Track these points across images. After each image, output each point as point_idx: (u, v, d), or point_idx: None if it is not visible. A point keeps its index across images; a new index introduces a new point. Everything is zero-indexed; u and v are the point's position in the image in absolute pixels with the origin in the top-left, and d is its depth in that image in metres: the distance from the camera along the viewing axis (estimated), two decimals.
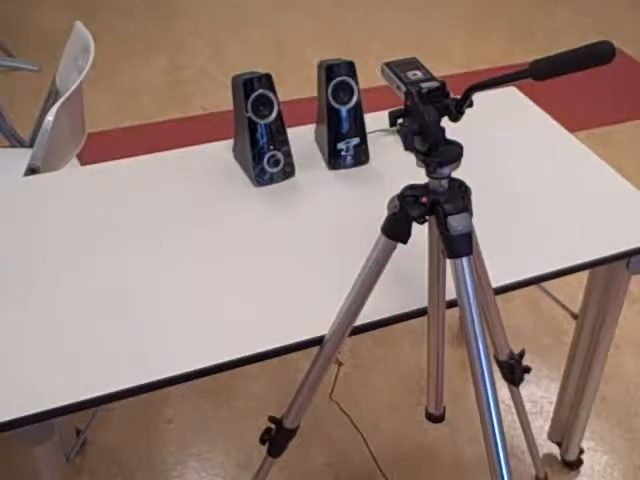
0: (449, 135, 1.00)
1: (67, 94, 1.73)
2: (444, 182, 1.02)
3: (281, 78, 1.62)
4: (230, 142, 1.59)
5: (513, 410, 1.58)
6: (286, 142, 1.49)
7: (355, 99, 1.50)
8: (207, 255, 1.32)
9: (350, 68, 1.48)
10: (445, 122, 0.98)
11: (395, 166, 1.54)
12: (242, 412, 1.95)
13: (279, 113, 1.46)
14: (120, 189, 1.49)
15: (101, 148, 2.87)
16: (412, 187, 1.05)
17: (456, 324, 2.16)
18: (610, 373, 2.05)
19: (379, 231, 1.07)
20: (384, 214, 1.07)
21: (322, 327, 1.17)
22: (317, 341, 1.17)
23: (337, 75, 1.47)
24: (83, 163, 1.99)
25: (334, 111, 1.49)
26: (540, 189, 1.49)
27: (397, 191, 1.06)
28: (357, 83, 1.50)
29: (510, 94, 1.79)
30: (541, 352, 2.12)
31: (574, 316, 1.65)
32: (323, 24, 4.01)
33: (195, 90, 3.41)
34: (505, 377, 1.44)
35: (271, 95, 1.44)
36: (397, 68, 1.05)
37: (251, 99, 1.43)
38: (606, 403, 1.98)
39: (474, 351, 1.04)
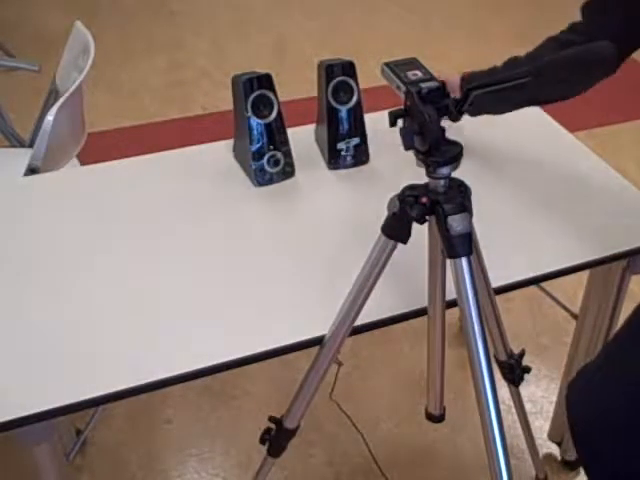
0: (449, 135, 1.00)
1: (67, 94, 1.73)
2: (444, 182, 1.02)
3: (281, 78, 1.62)
4: (230, 142, 1.59)
5: (513, 410, 1.58)
6: (286, 142, 1.49)
7: (355, 99, 1.50)
8: (207, 255, 1.32)
9: (350, 68, 1.48)
10: (445, 122, 0.98)
11: (395, 166, 1.54)
12: (242, 412, 1.95)
13: (279, 113, 1.46)
14: (120, 189, 1.49)
15: (101, 148, 2.87)
16: (412, 187, 1.05)
17: (456, 324, 2.16)
18: None
19: (379, 231, 1.07)
20: (384, 214, 1.07)
21: (322, 327, 1.17)
22: (317, 341, 1.17)
23: (337, 75, 1.47)
24: (83, 163, 1.99)
25: (334, 111, 1.49)
26: (540, 189, 1.49)
27: (397, 191, 1.06)
28: (357, 83, 1.50)
29: None
30: (541, 352, 2.12)
31: (574, 316, 1.65)
32: (323, 24, 4.01)
33: (195, 90, 3.41)
34: (505, 377, 1.44)
35: (271, 95, 1.44)
36: (397, 68, 1.06)
37: (251, 99, 1.43)
38: None
39: (474, 351, 1.04)
